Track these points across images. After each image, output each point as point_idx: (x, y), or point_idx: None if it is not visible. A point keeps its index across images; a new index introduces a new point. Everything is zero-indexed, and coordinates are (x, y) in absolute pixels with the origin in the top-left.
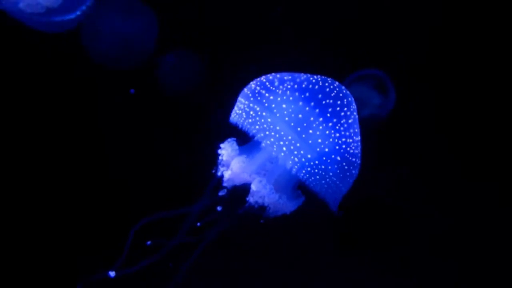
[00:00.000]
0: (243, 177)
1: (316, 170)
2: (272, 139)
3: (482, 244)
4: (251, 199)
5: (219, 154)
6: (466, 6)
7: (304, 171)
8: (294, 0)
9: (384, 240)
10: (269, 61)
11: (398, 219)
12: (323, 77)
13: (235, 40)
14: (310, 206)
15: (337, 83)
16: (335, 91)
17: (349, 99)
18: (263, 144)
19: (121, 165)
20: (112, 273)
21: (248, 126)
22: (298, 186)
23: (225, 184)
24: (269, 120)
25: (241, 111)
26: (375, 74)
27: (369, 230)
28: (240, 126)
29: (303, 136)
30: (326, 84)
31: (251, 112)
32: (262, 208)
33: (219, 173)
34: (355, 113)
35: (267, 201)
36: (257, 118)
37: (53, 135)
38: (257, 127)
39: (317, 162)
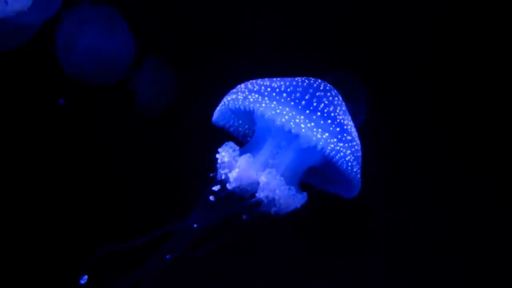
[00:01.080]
0: (250, 174)
1: (338, 148)
2: (286, 117)
3: (482, 244)
4: (261, 194)
5: (219, 157)
6: (466, 6)
7: (327, 150)
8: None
9: (384, 240)
10: (263, 64)
11: (398, 219)
12: (303, 77)
13: (226, 42)
14: (310, 205)
15: (319, 80)
16: (321, 85)
17: (335, 91)
18: (277, 122)
19: (121, 165)
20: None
21: (256, 107)
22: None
23: (232, 185)
24: (274, 102)
25: (238, 99)
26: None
27: (369, 230)
28: (243, 109)
29: (314, 117)
30: (311, 81)
31: (251, 98)
32: (271, 204)
33: (220, 176)
34: (343, 102)
35: (278, 193)
36: (261, 105)
37: (53, 136)
38: (263, 105)
39: (335, 140)
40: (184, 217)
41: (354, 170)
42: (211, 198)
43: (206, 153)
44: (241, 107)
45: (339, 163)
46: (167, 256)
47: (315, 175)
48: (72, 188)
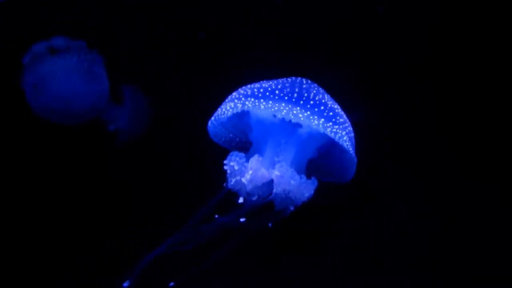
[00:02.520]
0: (264, 173)
1: (335, 130)
2: (284, 111)
3: (482, 244)
4: (278, 188)
5: (228, 168)
6: (466, 6)
7: (312, 139)
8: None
9: (384, 240)
10: (263, 65)
11: (399, 219)
12: (285, 77)
13: (225, 43)
14: (312, 205)
15: (299, 77)
16: (303, 80)
17: (316, 84)
18: (280, 116)
19: (121, 165)
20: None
21: (252, 118)
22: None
23: (248, 187)
24: (270, 103)
25: (234, 107)
26: None
27: (369, 230)
28: (241, 114)
29: (308, 106)
30: (293, 78)
31: (248, 104)
32: (287, 197)
33: (232, 184)
34: (325, 92)
35: (293, 184)
36: (258, 108)
37: (53, 136)
38: (264, 115)
39: (331, 123)
40: (186, 222)
41: (351, 149)
42: (222, 204)
43: (207, 156)
44: (239, 112)
45: (339, 144)
46: (166, 255)
47: (312, 168)
48: (73, 192)
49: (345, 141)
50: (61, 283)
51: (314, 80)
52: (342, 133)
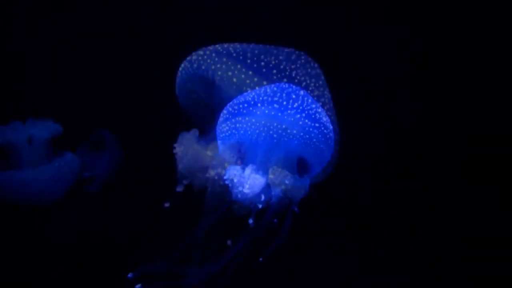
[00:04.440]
0: (260, 180)
1: (304, 139)
2: (263, 134)
3: (482, 244)
4: (276, 190)
5: (228, 180)
6: (466, 6)
7: (295, 144)
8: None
9: (384, 240)
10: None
11: (399, 219)
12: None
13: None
14: (311, 205)
15: (284, 82)
16: (286, 85)
17: (299, 86)
18: (259, 140)
19: (121, 165)
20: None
21: (242, 136)
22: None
23: (249, 195)
24: (253, 120)
25: (227, 132)
26: None
27: (369, 230)
28: (232, 141)
29: (285, 117)
30: (278, 84)
31: (238, 125)
32: (286, 196)
33: (236, 195)
34: (308, 94)
35: (287, 183)
36: (245, 126)
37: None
38: (249, 132)
39: (302, 134)
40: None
41: (329, 146)
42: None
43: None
44: (231, 138)
45: (313, 146)
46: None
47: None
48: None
49: (319, 143)
50: (61, 284)
51: None
52: (318, 135)
